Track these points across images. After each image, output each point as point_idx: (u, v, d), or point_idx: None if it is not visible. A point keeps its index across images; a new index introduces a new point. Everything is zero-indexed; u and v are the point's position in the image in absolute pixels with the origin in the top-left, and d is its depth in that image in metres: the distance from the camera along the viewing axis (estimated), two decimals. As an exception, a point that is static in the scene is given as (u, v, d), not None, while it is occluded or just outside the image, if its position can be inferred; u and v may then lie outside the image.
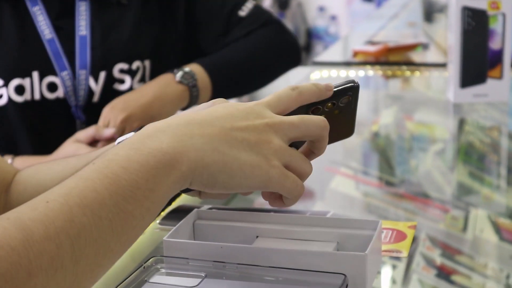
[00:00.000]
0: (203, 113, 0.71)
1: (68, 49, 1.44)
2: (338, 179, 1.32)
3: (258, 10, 1.59)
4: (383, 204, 1.19)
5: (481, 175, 1.32)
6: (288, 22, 4.90)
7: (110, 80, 1.45)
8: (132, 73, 1.47)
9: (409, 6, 3.09)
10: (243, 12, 1.57)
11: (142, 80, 1.48)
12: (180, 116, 0.70)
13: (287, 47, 1.62)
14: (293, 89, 0.75)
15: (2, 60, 1.42)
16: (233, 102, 0.73)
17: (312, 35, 5.16)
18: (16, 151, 1.43)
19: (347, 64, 2.03)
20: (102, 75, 1.45)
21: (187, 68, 1.47)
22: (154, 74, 1.48)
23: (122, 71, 1.46)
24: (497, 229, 1.07)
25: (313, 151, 0.76)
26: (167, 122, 0.69)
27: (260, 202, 1.22)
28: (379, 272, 0.84)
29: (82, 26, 1.45)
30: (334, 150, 1.47)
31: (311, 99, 0.76)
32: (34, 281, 0.55)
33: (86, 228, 0.59)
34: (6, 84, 1.41)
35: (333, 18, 5.13)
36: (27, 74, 1.42)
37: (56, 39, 1.43)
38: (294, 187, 0.72)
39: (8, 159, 1.39)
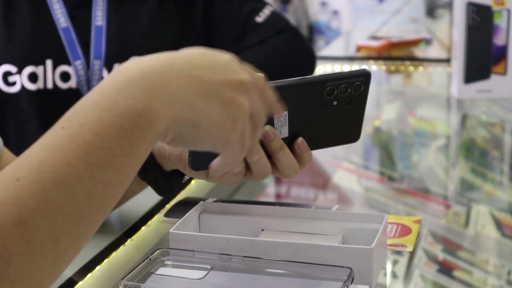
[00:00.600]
0: (179, 58, 0.66)
1: (83, 38, 1.43)
2: (340, 174, 1.32)
3: (275, 16, 1.57)
4: (386, 199, 1.19)
5: (483, 171, 1.32)
6: (290, 17, 4.89)
7: None
8: None
9: (411, 2, 3.09)
10: (260, 18, 1.55)
11: None
12: (155, 58, 0.65)
13: (302, 57, 1.60)
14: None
15: (16, 47, 1.42)
16: (209, 51, 0.70)
17: (314, 30, 5.14)
18: (25, 141, 1.43)
19: (350, 59, 2.03)
20: (116, 67, 1.44)
21: None
22: None
23: None
24: (499, 225, 1.07)
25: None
26: (141, 69, 0.64)
27: (266, 193, 1.23)
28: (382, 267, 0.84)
29: (99, 16, 1.44)
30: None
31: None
32: (13, 268, 0.53)
33: (62, 205, 0.55)
34: (19, 71, 1.42)
35: (335, 13, 5.12)
36: (40, 62, 1.42)
37: (71, 28, 1.43)
38: (240, 156, 0.71)
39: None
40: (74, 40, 1.43)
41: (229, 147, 0.68)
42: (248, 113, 0.68)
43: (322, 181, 1.34)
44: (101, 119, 0.59)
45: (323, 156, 1.45)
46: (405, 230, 0.92)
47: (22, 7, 1.43)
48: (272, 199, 1.21)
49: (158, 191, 0.89)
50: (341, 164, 1.37)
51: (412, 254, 0.90)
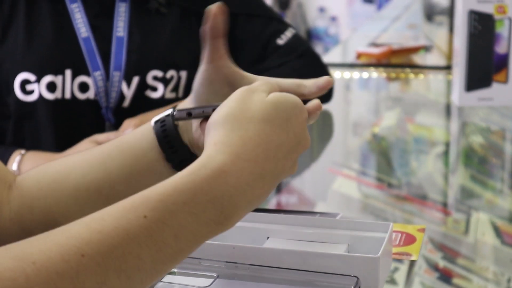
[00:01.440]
0: (256, 148, 0.64)
1: (103, 49, 1.43)
2: (340, 180, 1.32)
3: (296, 40, 1.56)
4: (386, 206, 1.19)
5: (483, 178, 1.32)
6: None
7: (143, 86, 1.44)
8: (165, 81, 1.45)
9: (410, 8, 3.09)
10: (282, 40, 1.54)
11: (175, 89, 1.46)
12: (244, 140, 0.64)
13: None
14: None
15: (36, 55, 1.42)
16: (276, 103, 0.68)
17: (312, 35, 5.15)
18: (40, 150, 1.42)
19: (350, 66, 2.03)
20: (135, 80, 1.43)
21: None
22: (190, 85, 1.46)
23: (155, 78, 1.44)
24: (498, 232, 1.07)
25: None
26: (233, 151, 0.62)
27: (272, 203, 1.23)
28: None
29: (120, 27, 1.44)
30: (336, 152, 1.47)
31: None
32: None
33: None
34: (38, 80, 1.41)
35: (333, 19, 5.12)
36: (59, 71, 1.41)
37: (92, 38, 1.42)
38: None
39: (18, 154, 1.39)
40: (94, 51, 1.42)
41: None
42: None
43: (322, 188, 1.34)
44: (185, 224, 0.59)
45: (323, 162, 1.45)
46: (409, 239, 0.92)
47: (44, 15, 1.43)
48: (272, 205, 1.21)
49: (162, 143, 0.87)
50: (341, 170, 1.37)
51: (412, 262, 0.90)
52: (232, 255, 0.78)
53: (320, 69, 1.57)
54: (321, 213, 0.95)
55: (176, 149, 0.82)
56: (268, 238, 0.84)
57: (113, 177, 0.84)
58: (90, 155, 0.84)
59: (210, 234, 0.61)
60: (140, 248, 0.56)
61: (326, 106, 1.61)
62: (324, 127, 1.63)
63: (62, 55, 1.42)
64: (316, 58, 1.57)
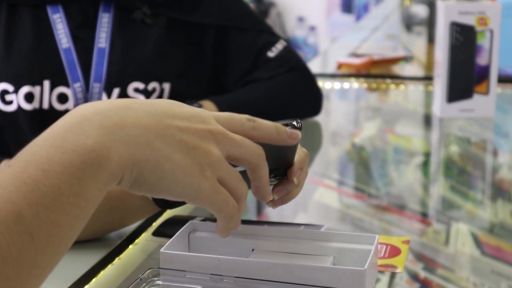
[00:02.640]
0: (141, 101, 0.64)
1: (84, 60, 1.41)
2: (321, 191, 1.31)
3: (287, 53, 1.55)
4: (366, 217, 1.18)
5: (463, 189, 1.32)
6: (268, 32, 4.89)
7: (124, 98, 1.42)
8: (147, 93, 1.43)
9: (389, 19, 3.11)
10: (272, 53, 1.53)
11: None
12: (113, 100, 0.63)
13: (308, 97, 1.58)
14: (249, 119, 0.70)
15: (14, 66, 1.40)
16: (180, 103, 0.68)
17: (291, 45, 5.16)
18: None
19: (331, 76, 2.03)
20: (116, 91, 1.42)
21: (199, 103, 1.41)
22: (173, 98, 1.45)
23: (137, 90, 1.43)
24: (479, 243, 1.07)
25: (254, 181, 0.71)
26: (96, 107, 0.61)
27: (247, 210, 1.22)
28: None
29: (102, 38, 1.42)
30: (317, 162, 1.47)
31: (265, 139, 0.70)
32: None
33: (3, 246, 0.52)
34: (16, 91, 1.39)
35: (312, 28, 5.14)
36: (38, 82, 1.39)
37: (73, 49, 1.41)
38: (224, 205, 0.66)
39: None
40: (75, 62, 1.40)
41: (202, 194, 0.64)
42: (220, 161, 0.65)
43: (303, 198, 1.33)
44: (48, 156, 0.56)
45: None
46: (394, 251, 0.91)
47: (25, 25, 1.41)
48: (253, 215, 1.21)
49: (158, 202, 0.90)
50: (322, 181, 1.37)
51: (393, 273, 0.90)
52: (217, 268, 0.78)
53: (310, 84, 1.57)
54: (306, 225, 0.95)
55: (170, 202, 0.87)
56: (253, 250, 0.84)
57: (104, 220, 0.91)
58: None
59: (85, 165, 0.57)
60: (9, 192, 0.54)
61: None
62: (309, 138, 1.63)
63: (41, 66, 1.40)
64: (306, 72, 1.57)
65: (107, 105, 0.61)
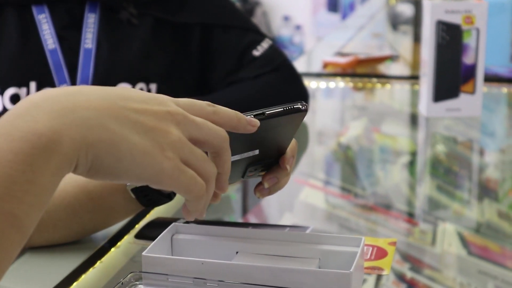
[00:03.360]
0: (93, 86, 0.62)
1: (70, 61, 1.39)
2: (307, 191, 1.31)
3: (273, 52, 1.53)
4: (352, 217, 1.18)
5: (450, 189, 1.31)
6: (253, 31, 4.89)
7: None
8: None
9: (375, 18, 3.10)
10: (258, 52, 1.51)
11: None
12: (64, 87, 0.61)
13: (294, 97, 1.55)
14: (209, 105, 0.68)
15: (0, 67, 1.38)
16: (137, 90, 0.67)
17: (276, 44, 5.16)
18: None
19: (317, 75, 2.02)
20: None
21: None
22: None
23: None
24: (465, 243, 1.06)
25: (217, 168, 0.68)
26: (46, 94, 0.59)
27: (232, 211, 1.21)
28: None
29: (89, 39, 1.40)
30: (303, 162, 1.46)
31: (225, 125, 0.69)
32: None
33: None
34: (1, 92, 1.37)
35: (298, 27, 5.13)
36: (24, 83, 1.37)
37: (59, 50, 1.39)
38: (191, 185, 0.64)
39: None
40: (61, 63, 1.38)
41: (165, 175, 0.62)
42: (181, 141, 0.63)
43: (288, 199, 1.33)
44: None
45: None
46: (380, 253, 0.90)
47: (10, 26, 1.39)
48: (239, 216, 1.20)
49: (141, 201, 0.88)
50: (307, 181, 1.36)
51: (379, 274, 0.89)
52: (200, 271, 0.77)
53: (296, 83, 1.55)
54: (291, 226, 0.94)
55: (153, 200, 0.89)
56: (237, 253, 0.83)
57: (85, 221, 0.90)
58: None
59: (37, 151, 0.55)
60: None
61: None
62: (295, 138, 1.62)
63: (27, 67, 1.38)
64: (292, 72, 1.55)
65: (57, 91, 0.60)
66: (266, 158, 0.79)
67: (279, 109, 0.74)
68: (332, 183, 1.36)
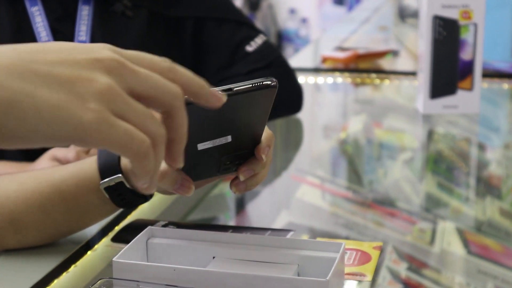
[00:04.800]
0: (9, 45, 0.55)
1: None
2: (304, 188, 1.29)
3: (266, 47, 1.51)
4: (350, 215, 1.16)
5: (450, 186, 1.30)
6: (259, 24, 4.88)
7: None
8: None
9: (381, 10, 3.08)
10: (251, 47, 1.49)
11: None
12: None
13: (288, 93, 1.54)
14: (165, 60, 0.60)
15: None
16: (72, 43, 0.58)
17: (282, 37, 5.14)
18: (2, 154, 1.37)
19: (315, 70, 2.00)
20: None
21: None
22: None
23: None
24: (465, 242, 1.05)
25: (170, 133, 0.58)
26: None
27: (226, 209, 1.20)
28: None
29: (83, 31, 1.39)
30: (300, 159, 1.45)
31: (183, 89, 0.59)
32: None
33: None
34: None
35: (304, 20, 5.12)
36: None
37: None
38: (127, 139, 0.54)
39: None
40: None
41: (87, 129, 0.53)
42: (112, 90, 0.54)
43: (284, 197, 1.31)
44: None
45: (286, 169, 1.42)
46: (364, 258, 0.88)
47: (3, 20, 1.38)
48: (233, 215, 1.18)
49: (116, 201, 0.87)
50: (305, 178, 1.35)
51: (375, 273, 0.87)
52: (173, 278, 0.74)
53: (289, 79, 1.53)
54: (273, 230, 0.92)
55: (127, 200, 0.87)
56: (214, 258, 0.80)
57: (59, 222, 0.88)
58: (23, 192, 0.86)
59: None
60: None
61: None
62: (291, 134, 1.61)
63: None
64: (285, 68, 1.53)
65: None
66: (240, 149, 0.76)
67: (247, 85, 0.70)
68: (330, 180, 1.35)
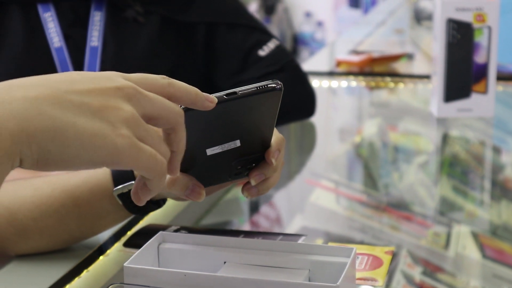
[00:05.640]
0: (34, 77, 0.60)
1: (76, 59, 1.39)
2: (318, 192, 1.29)
3: (279, 52, 1.51)
4: (364, 219, 1.16)
5: (465, 189, 1.29)
6: (274, 28, 4.88)
7: None
8: None
9: (396, 13, 3.07)
10: (263, 52, 1.49)
11: None
12: (3, 82, 0.59)
13: (300, 98, 1.53)
14: (163, 77, 0.65)
15: (5, 66, 1.38)
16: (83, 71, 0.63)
17: (298, 40, 5.14)
18: None
19: (330, 74, 2.00)
20: None
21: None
22: None
23: None
24: (480, 246, 1.05)
25: (171, 148, 0.65)
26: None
27: (240, 213, 1.20)
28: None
29: (95, 36, 1.40)
30: (314, 162, 1.45)
31: (182, 98, 0.66)
32: None
33: None
34: None
35: (320, 24, 5.11)
36: None
37: (65, 48, 1.38)
38: (152, 162, 0.61)
39: None
40: (67, 61, 1.38)
41: (121, 154, 0.59)
42: (135, 118, 0.60)
43: (298, 201, 1.31)
44: None
45: (300, 173, 1.42)
46: (376, 262, 0.88)
47: (15, 24, 1.39)
48: (246, 220, 1.18)
49: (129, 207, 0.87)
50: (319, 181, 1.35)
51: (390, 277, 0.87)
52: (183, 283, 0.75)
53: (302, 84, 1.53)
54: (285, 235, 0.91)
55: (140, 207, 0.86)
56: (225, 263, 0.81)
57: (72, 228, 0.89)
58: (38, 198, 0.87)
59: None
60: None
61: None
62: (305, 138, 1.61)
63: (33, 66, 1.38)
64: (298, 72, 1.53)
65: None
66: (250, 153, 0.76)
67: (252, 88, 0.71)
68: (344, 184, 1.35)
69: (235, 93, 0.70)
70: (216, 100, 0.67)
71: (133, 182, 0.85)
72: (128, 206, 0.87)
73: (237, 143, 0.74)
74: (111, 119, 0.59)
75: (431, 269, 0.97)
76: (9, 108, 0.56)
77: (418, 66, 2.12)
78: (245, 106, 0.71)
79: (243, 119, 0.73)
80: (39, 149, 0.56)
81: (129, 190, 0.85)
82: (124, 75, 0.63)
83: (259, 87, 0.71)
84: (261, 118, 0.74)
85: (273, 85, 0.72)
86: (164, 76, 0.66)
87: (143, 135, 0.60)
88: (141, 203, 0.66)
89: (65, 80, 0.59)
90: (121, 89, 0.60)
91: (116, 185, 0.86)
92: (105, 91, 0.60)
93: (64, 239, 0.89)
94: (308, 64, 2.25)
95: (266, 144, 0.77)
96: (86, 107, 0.58)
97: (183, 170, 0.75)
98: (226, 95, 0.69)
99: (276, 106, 0.74)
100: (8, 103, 0.56)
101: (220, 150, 0.73)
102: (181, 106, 0.66)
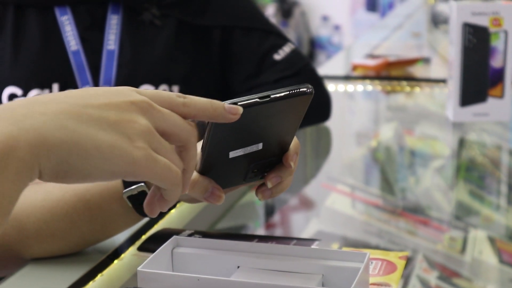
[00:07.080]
0: (52, 94, 0.62)
1: (93, 62, 1.39)
2: (334, 197, 1.29)
3: (294, 56, 1.51)
4: (380, 224, 1.16)
5: (481, 194, 1.29)
6: (291, 31, 4.89)
7: None
8: None
9: (413, 17, 3.07)
10: (279, 56, 1.49)
11: None
12: (24, 98, 0.62)
13: (316, 102, 1.53)
14: (179, 96, 0.67)
15: (22, 69, 1.38)
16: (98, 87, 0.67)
17: (315, 44, 5.14)
18: None
19: (346, 78, 2.00)
20: None
21: None
22: None
23: None
24: (497, 251, 1.04)
25: (183, 164, 0.67)
26: (5, 105, 0.59)
27: (255, 217, 1.20)
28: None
29: (111, 40, 1.41)
30: (331, 166, 1.44)
31: (199, 116, 0.67)
32: None
33: None
34: (25, 94, 1.38)
35: (337, 27, 5.11)
36: (47, 85, 1.38)
37: (82, 51, 1.39)
38: (167, 172, 0.63)
39: None
40: (83, 64, 1.39)
41: (138, 165, 0.61)
42: (150, 131, 0.63)
43: (314, 205, 1.31)
44: None
45: (316, 177, 1.42)
46: (390, 268, 0.87)
47: (33, 27, 1.39)
48: (262, 224, 1.18)
49: (138, 210, 0.87)
50: (335, 186, 1.34)
51: (405, 282, 0.87)
52: (196, 287, 0.74)
53: (317, 88, 1.52)
54: (298, 239, 0.91)
55: None
56: (238, 267, 0.81)
57: (84, 231, 0.89)
58: (49, 201, 0.87)
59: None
60: None
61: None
62: (320, 142, 1.60)
63: (50, 69, 1.39)
64: (313, 76, 1.52)
65: (15, 102, 0.60)
66: (268, 156, 0.76)
67: (285, 92, 0.72)
68: (360, 188, 1.34)
69: (267, 96, 0.70)
70: (241, 110, 0.68)
71: (142, 184, 0.85)
72: (138, 209, 0.87)
73: (260, 146, 0.74)
74: (127, 132, 0.61)
75: (447, 274, 0.97)
76: (30, 123, 0.57)
77: (435, 70, 2.11)
78: (275, 109, 0.72)
79: (270, 123, 0.73)
80: (58, 161, 0.58)
81: (139, 192, 0.85)
82: (139, 90, 0.65)
83: (291, 90, 0.72)
84: (287, 122, 0.75)
85: (304, 89, 0.72)
86: (180, 94, 0.67)
87: (157, 147, 0.63)
88: (154, 214, 0.68)
89: (82, 96, 0.62)
90: (136, 103, 0.63)
91: (125, 187, 0.86)
92: (121, 105, 0.62)
93: (77, 242, 0.90)
94: (324, 68, 2.25)
95: (285, 148, 0.78)
96: (104, 120, 0.60)
97: (203, 172, 0.75)
98: (258, 98, 0.70)
99: (304, 110, 0.75)
100: (29, 117, 0.58)
101: (242, 153, 0.74)
102: None
